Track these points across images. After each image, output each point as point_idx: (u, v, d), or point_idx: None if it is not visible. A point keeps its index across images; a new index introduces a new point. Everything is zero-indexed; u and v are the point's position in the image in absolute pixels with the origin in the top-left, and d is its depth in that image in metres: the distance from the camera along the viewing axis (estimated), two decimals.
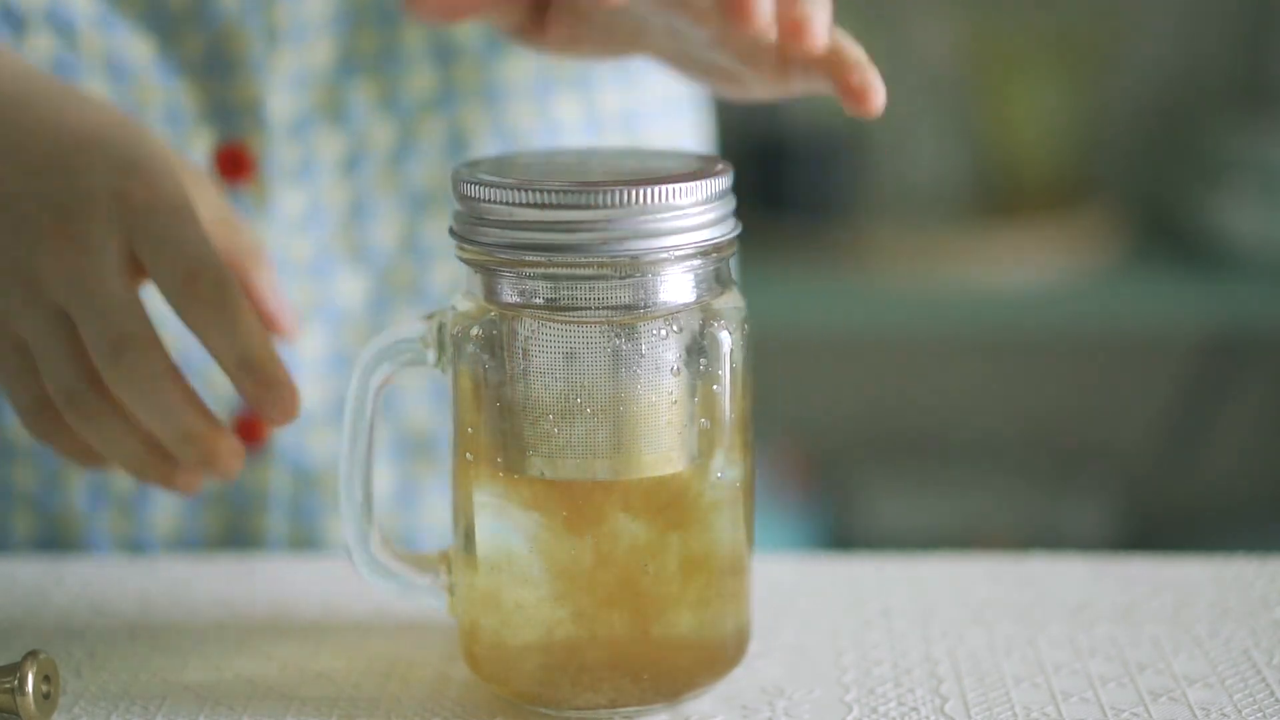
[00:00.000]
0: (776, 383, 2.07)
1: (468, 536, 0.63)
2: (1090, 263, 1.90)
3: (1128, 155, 2.04)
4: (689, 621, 0.62)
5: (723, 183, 0.61)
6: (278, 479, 0.81)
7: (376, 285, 0.81)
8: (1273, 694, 0.64)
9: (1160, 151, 2.03)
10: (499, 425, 0.61)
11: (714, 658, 0.63)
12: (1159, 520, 2.08)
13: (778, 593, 0.72)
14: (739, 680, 0.65)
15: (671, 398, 0.60)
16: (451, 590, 0.65)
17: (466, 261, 0.61)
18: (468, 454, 0.62)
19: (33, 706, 0.61)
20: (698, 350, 0.61)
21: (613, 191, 0.58)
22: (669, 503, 0.61)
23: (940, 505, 2.04)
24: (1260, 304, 1.89)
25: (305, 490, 0.81)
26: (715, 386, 0.61)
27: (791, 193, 1.92)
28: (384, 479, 0.83)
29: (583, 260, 0.59)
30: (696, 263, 0.60)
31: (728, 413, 0.62)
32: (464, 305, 0.62)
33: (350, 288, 0.80)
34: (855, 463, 2.10)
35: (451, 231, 0.61)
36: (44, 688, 0.62)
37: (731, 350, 0.61)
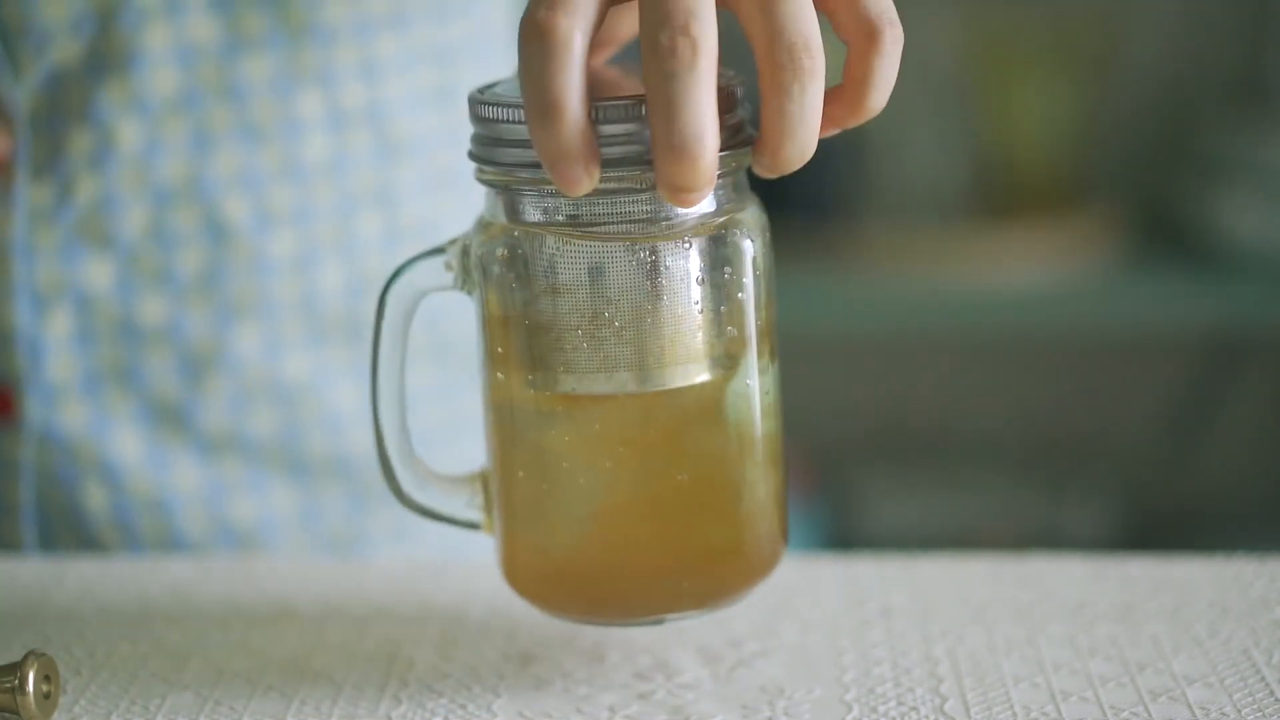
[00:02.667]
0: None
1: (503, 456, 0.63)
2: (1090, 263, 1.90)
3: (1127, 155, 2.04)
4: (724, 528, 0.63)
5: (738, 94, 0.61)
6: (26, 450, 0.83)
7: (123, 269, 0.83)
8: (1273, 694, 0.64)
9: (1160, 151, 2.03)
10: (527, 344, 0.61)
11: (750, 563, 0.64)
12: (1159, 520, 2.08)
13: (778, 593, 0.72)
14: (739, 680, 0.65)
15: (697, 308, 0.61)
16: (488, 510, 0.65)
17: (487, 183, 0.62)
18: (499, 374, 0.62)
19: (33, 706, 0.61)
20: (722, 259, 0.61)
21: (630, 105, 0.58)
22: (699, 412, 0.62)
23: (940, 505, 2.04)
24: (1260, 304, 1.89)
25: (57, 461, 0.84)
26: (740, 295, 0.62)
27: (791, 193, 1.92)
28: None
29: (604, 174, 0.58)
30: (722, 174, 0.60)
31: (753, 320, 0.62)
32: (486, 225, 0.62)
33: (98, 271, 0.83)
34: (855, 463, 2.10)
35: (471, 155, 0.62)
36: (44, 687, 0.62)
37: (755, 258, 0.62)
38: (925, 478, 2.07)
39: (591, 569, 0.63)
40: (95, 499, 0.84)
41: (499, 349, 0.62)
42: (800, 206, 1.92)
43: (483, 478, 0.66)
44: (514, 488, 0.63)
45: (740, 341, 0.62)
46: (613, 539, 0.62)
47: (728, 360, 0.62)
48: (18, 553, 0.84)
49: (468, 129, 0.62)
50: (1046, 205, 1.96)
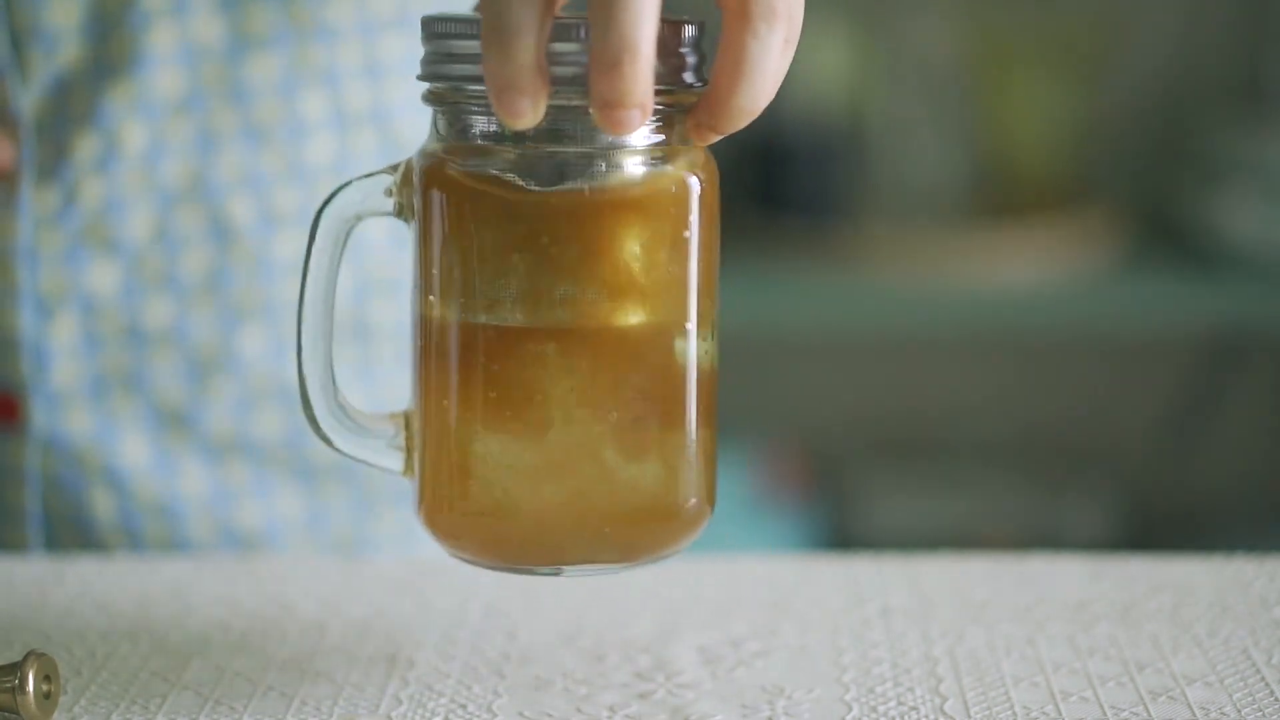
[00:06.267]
0: (776, 383, 2.07)
1: (431, 387, 0.62)
2: (1090, 263, 1.90)
3: (1127, 155, 2.04)
4: (648, 477, 0.61)
5: (694, 31, 0.60)
6: (31, 456, 0.83)
7: (128, 273, 0.82)
8: (1272, 693, 0.64)
9: (1160, 152, 2.03)
10: (461, 271, 0.60)
11: (673, 516, 0.62)
12: (1159, 520, 2.08)
13: (778, 593, 0.72)
14: (739, 680, 0.65)
15: (638, 243, 0.60)
16: (408, 451, 0.64)
17: (434, 101, 0.61)
18: (430, 297, 0.61)
19: (33, 705, 0.61)
20: (667, 195, 0.60)
21: (582, 24, 0.57)
22: (633, 352, 0.61)
23: (940, 505, 2.04)
24: (1260, 304, 1.89)
25: (62, 467, 0.83)
26: (685, 233, 0.61)
27: (790, 192, 1.92)
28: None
29: (556, 93, 0.58)
30: (667, 109, 0.60)
31: (696, 263, 0.61)
32: (429, 150, 0.62)
33: (103, 275, 0.82)
34: (855, 463, 2.10)
35: (420, 76, 0.61)
36: (45, 687, 0.62)
37: (702, 195, 0.61)
38: (925, 478, 2.07)
39: (509, 513, 0.61)
40: (101, 505, 0.83)
41: (434, 271, 0.61)
42: (800, 206, 1.92)
43: (405, 417, 0.64)
44: (438, 419, 0.62)
45: (681, 283, 0.61)
46: (533, 476, 0.61)
47: (667, 300, 0.60)
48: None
49: None
50: (1046, 205, 1.96)
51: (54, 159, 0.81)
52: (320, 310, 0.64)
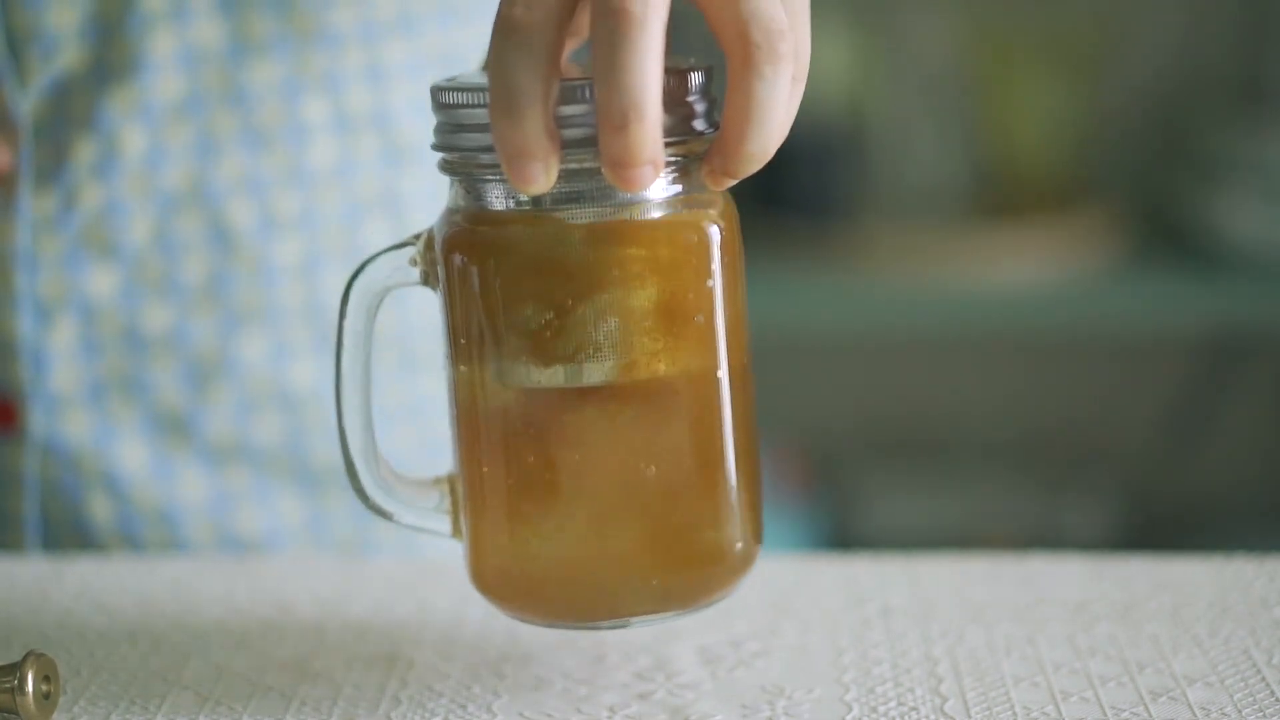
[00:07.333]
0: (776, 383, 2.07)
1: (468, 453, 0.62)
2: (1090, 263, 1.90)
3: (1127, 155, 2.04)
4: (691, 527, 0.61)
5: (702, 77, 0.60)
6: (29, 461, 0.83)
7: (128, 277, 0.82)
8: (1273, 693, 0.64)
9: (1160, 151, 2.03)
10: (490, 335, 0.60)
11: (722, 563, 0.62)
12: (1159, 520, 2.08)
13: (778, 593, 0.72)
14: (739, 680, 0.65)
15: (663, 295, 0.60)
16: (454, 514, 0.64)
17: (451, 171, 0.61)
18: (462, 367, 0.62)
19: (33, 706, 0.61)
20: (689, 246, 0.60)
21: (587, 87, 0.57)
22: (668, 403, 0.61)
23: (940, 505, 2.04)
24: (1260, 304, 1.89)
25: (61, 472, 0.83)
26: (709, 282, 0.60)
27: (791, 192, 1.92)
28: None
29: (566, 155, 0.58)
30: (682, 159, 0.60)
31: (722, 310, 0.61)
32: (449, 216, 0.62)
33: (102, 280, 0.82)
34: (855, 463, 2.10)
35: (434, 146, 0.61)
36: (44, 687, 0.62)
37: (723, 242, 0.61)
38: (925, 478, 2.07)
39: (558, 570, 0.61)
40: (100, 510, 0.83)
41: (462, 341, 0.61)
42: (800, 206, 1.92)
43: (450, 481, 0.65)
44: (480, 485, 0.62)
45: (709, 331, 0.61)
46: (580, 535, 0.61)
47: (697, 350, 0.60)
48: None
49: None
50: (1046, 205, 1.96)
51: (53, 163, 0.81)
52: (358, 385, 0.65)
